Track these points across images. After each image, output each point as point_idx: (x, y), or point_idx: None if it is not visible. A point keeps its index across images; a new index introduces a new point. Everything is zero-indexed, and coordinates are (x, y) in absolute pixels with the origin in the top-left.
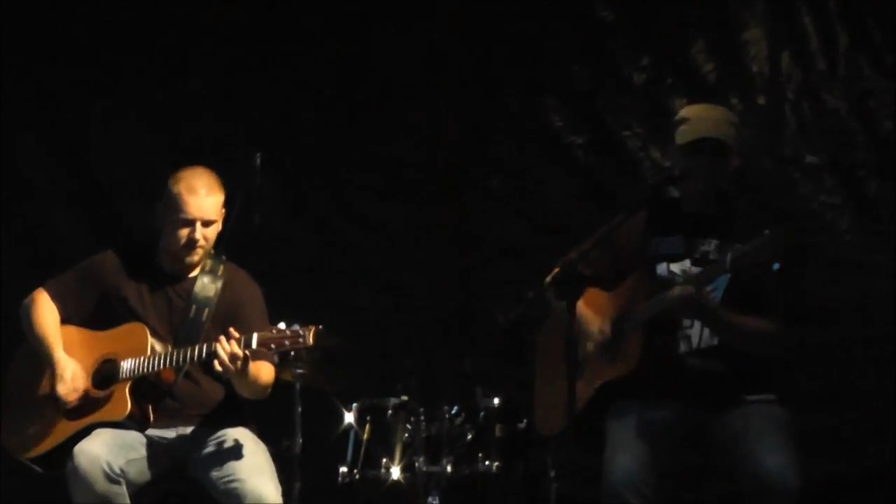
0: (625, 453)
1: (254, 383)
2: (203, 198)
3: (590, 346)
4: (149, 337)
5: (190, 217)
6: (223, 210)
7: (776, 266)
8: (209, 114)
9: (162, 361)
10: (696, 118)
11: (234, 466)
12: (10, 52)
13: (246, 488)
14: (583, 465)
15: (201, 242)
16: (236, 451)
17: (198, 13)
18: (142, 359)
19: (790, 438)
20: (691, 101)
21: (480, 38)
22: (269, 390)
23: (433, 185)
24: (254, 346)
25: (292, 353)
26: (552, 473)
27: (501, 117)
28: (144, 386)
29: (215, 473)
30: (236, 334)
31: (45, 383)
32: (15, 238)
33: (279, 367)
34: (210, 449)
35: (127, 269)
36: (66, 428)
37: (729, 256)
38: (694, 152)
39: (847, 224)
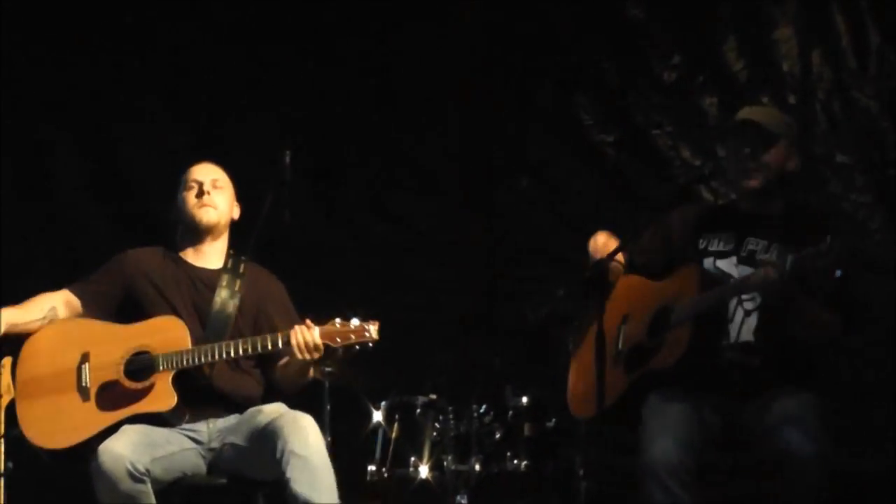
0: (666, 437)
1: (305, 377)
2: (206, 164)
3: (628, 334)
4: (187, 330)
5: (197, 178)
6: (237, 204)
7: (839, 273)
8: (239, 111)
9: (206, 355)
10: (743, 111)
11: (271, 423)
12: (37, 46)
13: (283, 427)
14: (612, 464)
15: (212, 198)
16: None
17: (228, 8)
18: (184, 352)
19: (812, 414)
20: (723, 100)
21: (511, 36)
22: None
23: (463, 182)
24: (317, 340)
25: (357, 346)
26: (581, 472)
27: (531, 115)
28: (184, 378)
29: (248, 442)
30: (310, 324)
31: (59, 372)
32: (39, 234)
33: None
34: (243, 430)
35: (150, 262)
36: (100, 419)
37: (790, 259)
38: (732, 135)
39: (878, 223)
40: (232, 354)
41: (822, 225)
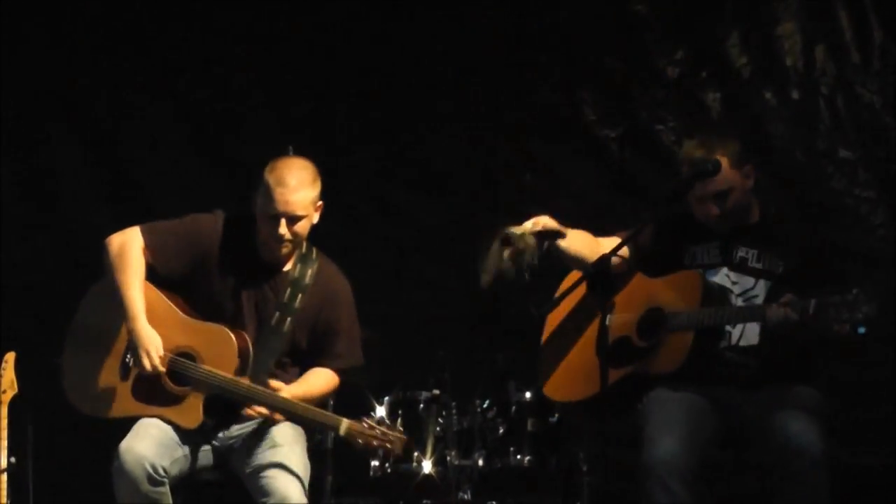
0: (670, 435)
1: (315, 398)
2: (291, 192)
3: (613, 325)
4: (237, 356)
5: (274, 212)
6: (320, 202)
7: (862, 330)
8: (242, 107)
9: (245, 396)
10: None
11: (267, 463)
12: (39, 46)
13: (273, 486)
14: (615, 459)
15: (287, 237)
16: (274, 450)
17: (230, 7)
18: (225, 380)
19: (815, 410)
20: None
21: (514, 31)
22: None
23: (466, 179)
24: (341, 433)
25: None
26: (584, 467)
27: (535, 110)
28: (216, 399)
29: (248, 469)
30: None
31: (110, 334)
32: (41, 233)
33: None
34: (252, 445)
35: (227, 247)
36: (129, 406)
37: (813, 303)
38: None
39: (881, 218)
40: (266, 405)
41: (797, 227)
